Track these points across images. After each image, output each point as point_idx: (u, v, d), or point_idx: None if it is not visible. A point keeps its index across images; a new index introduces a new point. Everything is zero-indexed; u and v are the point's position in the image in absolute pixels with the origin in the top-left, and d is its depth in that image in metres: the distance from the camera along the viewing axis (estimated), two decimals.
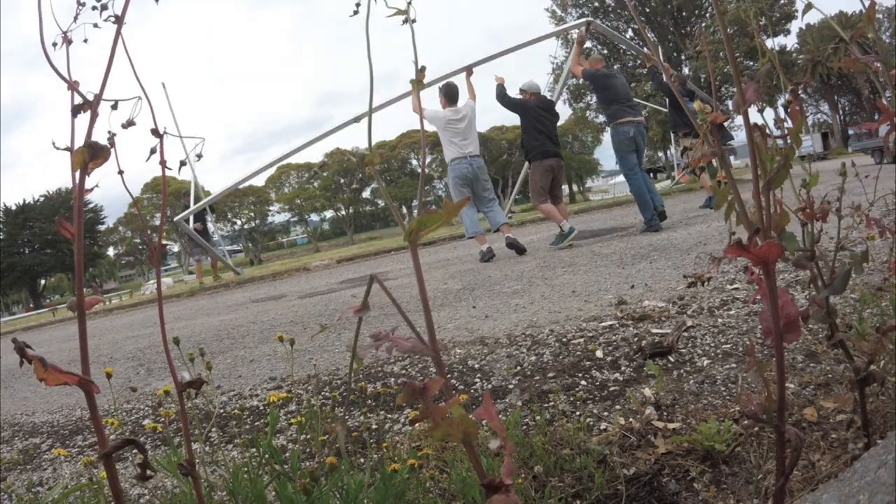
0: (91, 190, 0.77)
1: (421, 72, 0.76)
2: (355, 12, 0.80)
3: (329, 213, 47.88)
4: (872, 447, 0.84)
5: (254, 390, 2.89)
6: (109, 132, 0.77)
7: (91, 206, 43.88)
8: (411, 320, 0.67)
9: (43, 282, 45.31)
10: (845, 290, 2.50)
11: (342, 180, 40.61)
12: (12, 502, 1.78)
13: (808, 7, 0.98)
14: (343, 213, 43.91)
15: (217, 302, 8.93)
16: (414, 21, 0.78)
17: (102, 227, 45.34)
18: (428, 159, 42.54)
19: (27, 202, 42.82)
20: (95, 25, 0.79)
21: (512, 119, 49.13)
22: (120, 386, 3.59)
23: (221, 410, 2.60)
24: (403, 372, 2.70)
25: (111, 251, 50.27)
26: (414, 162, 43.17)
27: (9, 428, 3.11)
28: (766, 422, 0.82)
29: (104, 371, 1.63)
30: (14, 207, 42.57)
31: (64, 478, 2.08)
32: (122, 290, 28.40)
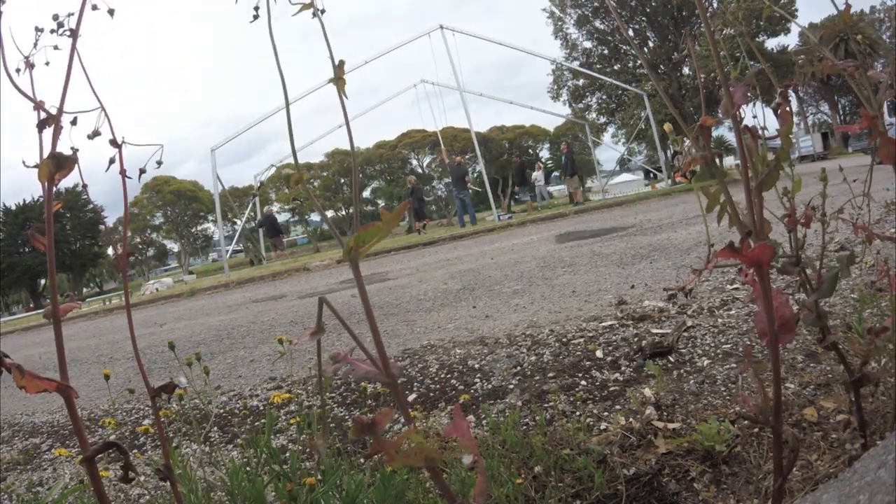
0: (60, 203, 0.79)
1: (339, 68, 0.69)
2: (255, 17, 0.72)
3: (329, 213, 47.96)
4: (872, 447, 0.84)
5: (254, 390, 2.89)
6: (72, 148, 0.77)
7: (91, 206, 43.82)
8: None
9: (43, 282, 45.20)
10: (845, 291, 2.51)
11: (342, 180, 40.58)
12: (12, 502, 1.78)
13: (767, 8, 0.98)
14: (343, 213, 43.94)
15: (217, 302, 8.93)
16: (323, 12, 0.71)
17: (102, 228, 45.31)
18: (427, 159, 42.48)
19: (27, 202, 42.81)
20: (56, 48, 0.78)
21: (511, 119, 49.10)
22: (120, 386, 3.59)
23: (221, 410, 2.61)
24: (403, 372, 2.70)
25: (111, 251, 50.26)
26: (414, 162, 43.12)
27: (9, 428, 3.11)
28: (763, 423, 0.82)
29: (104, 372, 1.63)
30: (14, 207, 42.56)
31: (64, 478, 2.08)
32: (122, 291, 28.36)
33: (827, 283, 0.98)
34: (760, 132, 0.86)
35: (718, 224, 0.85)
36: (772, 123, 0.98)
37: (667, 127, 1.15)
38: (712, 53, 0.76)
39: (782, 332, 0.79)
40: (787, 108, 0.88)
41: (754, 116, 0.92)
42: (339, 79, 0.68)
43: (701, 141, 0.78)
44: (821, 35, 0.94)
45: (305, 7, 0.69)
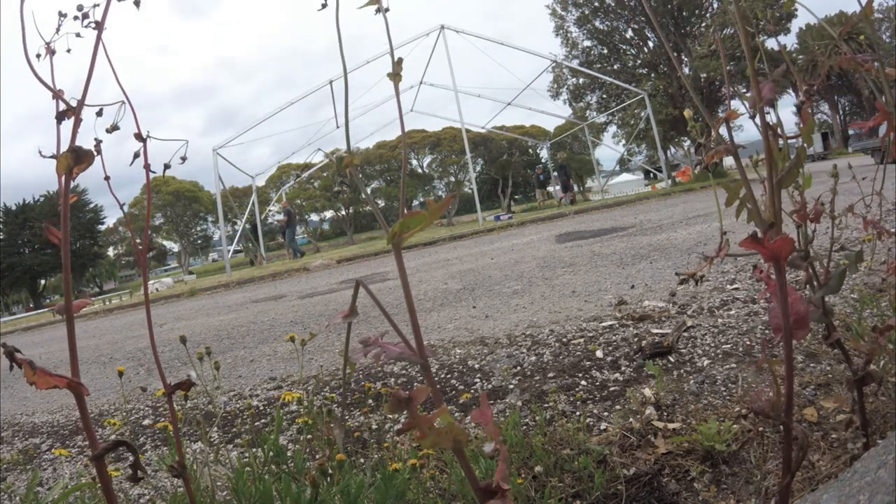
0: (77, 196, 0.79)
1: (398, 64, 0.69)
2: (324, 5, 0.74)
3: (329, 214, 47.91)
4: (872, 447, 0.84)
5: (254, 390, 2.89)
6: (96, 139, 0.77)
7: (91, 206, 43.82)
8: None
9: (43, 282, 45.18)
10: (845, 292, 2.51)
11: (342, 181, 40.64)
12: (12, 502, 1.78)
13: (791, 2, 0.98)
14: (343, 213, 43.96)
15: (217, 302, 8.93)
16: (387, 10, 0.71)
17: (102, 228, 45.33)
18: (427, 159, 42.48)
19: (27, 202, 42.80)
20: (78, 35, 0.78)
21: (511, 119, 49.16)
22: (120, 385, 3.59)
23: (221, 410, 2.60)
24: (404, 372, 2.70)
25: (111, 251, 50.28)
26: (414, 162, 43.11)
27: (9, 428, 3.11)
28: (774, 418, 0.82)
29: (107, 371, 1.63)
30: (14, 207, 42.55)
31: (64, 478, 2.08)
32: (122, 290, 28.38)
33: (835, 279, 0.98)
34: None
35: (737, 218, 0.85)
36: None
37: (686, 113, 1.15)
38: (721, 55, 0.76)
39: (797, 327, 0.79)
40: (809, 108, 0.88)
41: (767, 113, 0.91)
42: (396, 74, 0.68)
43: (724, 135, 0.78)
44: (840, 31, 0.94)
45: (373, 2, 0.70)
